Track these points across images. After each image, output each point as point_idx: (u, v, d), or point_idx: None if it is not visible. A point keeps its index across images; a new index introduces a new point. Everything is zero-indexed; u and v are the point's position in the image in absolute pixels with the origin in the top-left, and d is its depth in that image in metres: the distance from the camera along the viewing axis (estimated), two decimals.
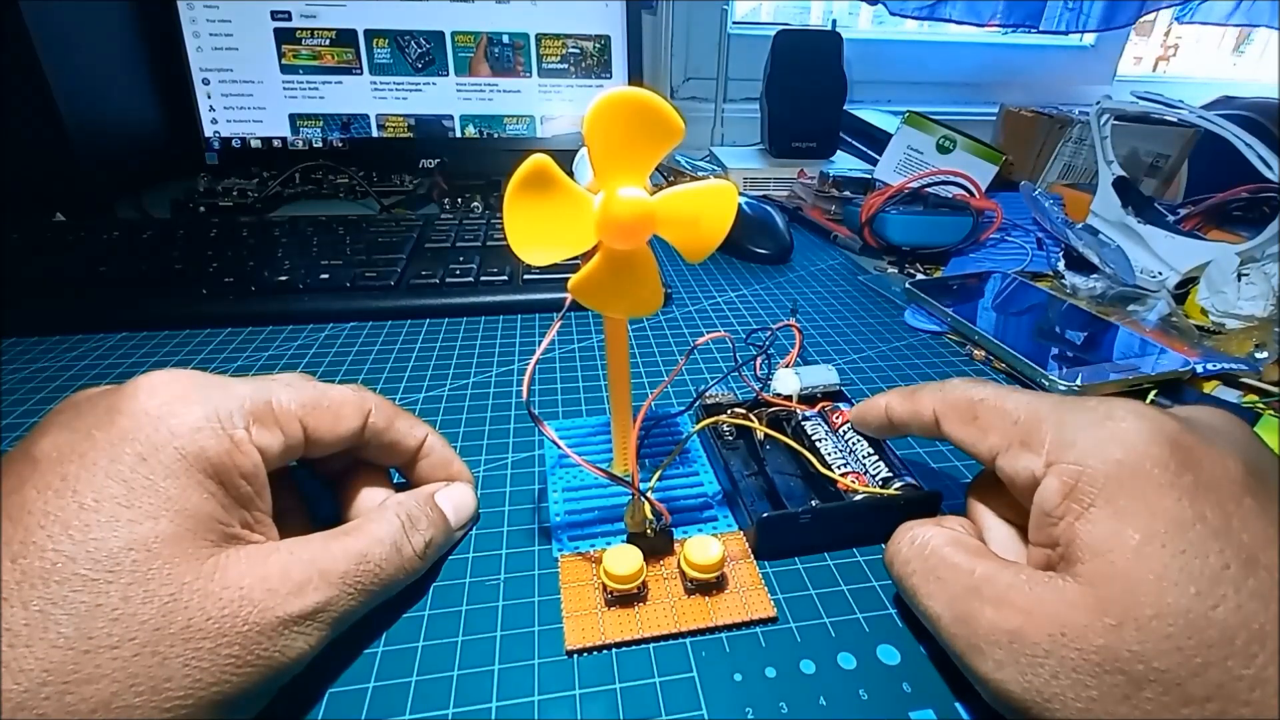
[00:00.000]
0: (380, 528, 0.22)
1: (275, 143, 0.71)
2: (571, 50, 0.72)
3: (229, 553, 0.19)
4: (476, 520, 0.28)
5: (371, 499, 0.25)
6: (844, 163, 0.81)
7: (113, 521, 0.17)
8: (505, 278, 0.48)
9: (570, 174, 0.21)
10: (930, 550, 0.21)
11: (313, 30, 0.68)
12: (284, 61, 0.69)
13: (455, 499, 0.27)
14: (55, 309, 0.44)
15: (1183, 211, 0.61)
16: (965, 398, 0.23)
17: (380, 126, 0.72)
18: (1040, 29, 1.08)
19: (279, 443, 0.21)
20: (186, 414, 0.19)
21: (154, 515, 0.17)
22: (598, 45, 0.73)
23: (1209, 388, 0.38)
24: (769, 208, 0.61)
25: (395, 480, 0.28)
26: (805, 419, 0.32)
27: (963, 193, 0.63)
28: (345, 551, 0.21)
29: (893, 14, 1.05)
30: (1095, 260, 0.49)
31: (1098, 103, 0.56)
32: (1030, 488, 0.20)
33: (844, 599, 0.25)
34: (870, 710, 0.21)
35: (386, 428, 0.25)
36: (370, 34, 0.69)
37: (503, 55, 0.71)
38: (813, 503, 0.27)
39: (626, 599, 0.24)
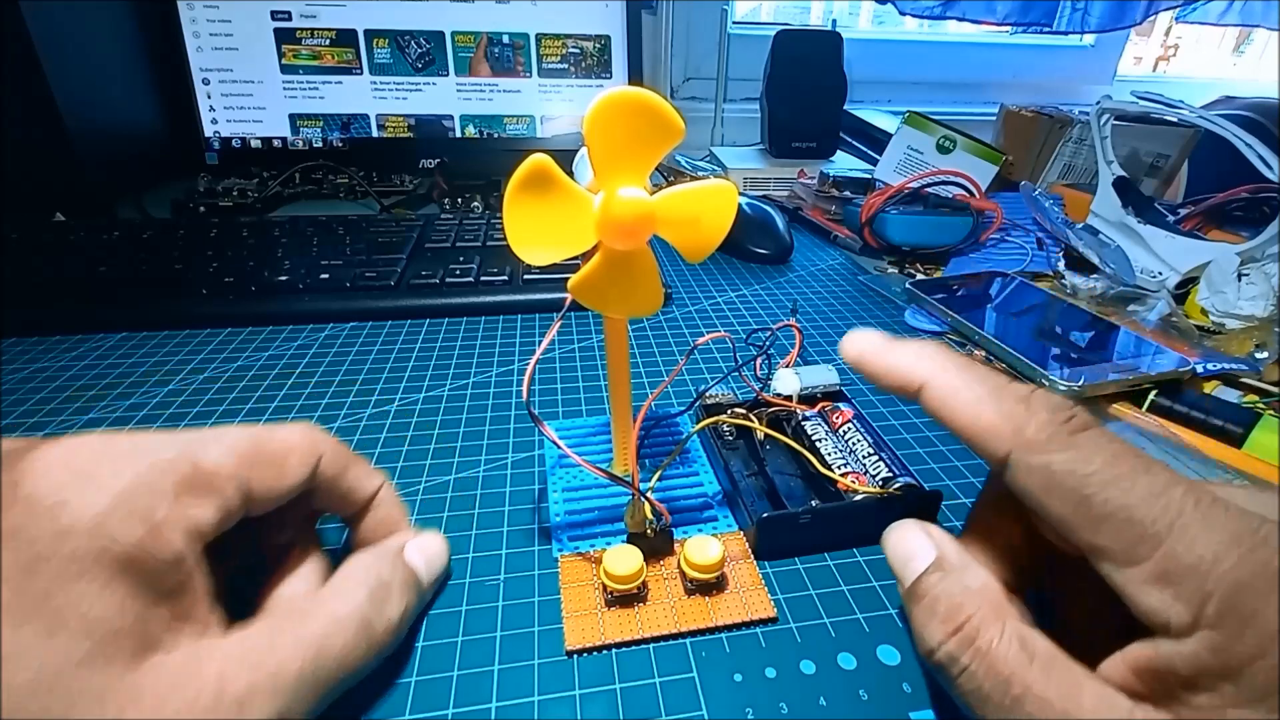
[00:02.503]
0: (343, 604, 0.18)
1: (275, 143, 0.71)
2: (571, 50, 0.72)
3: (152, 663, 0.15)
4: (448, 579, 0.24)
5: (315, 566, 0.21)
6: (844, 163, 0.81)
7: None
8: (505, 278, 0.48)
9: (570, 174, 0.21)
10: (996, 656, 0.16)
11: (313, 30, 0.68)
12: (284, 61, 0.69)
13: (429, 553, 0.23)
14: (55, 309, 0.44)
15: (1183, 211, 0.61)
16: (1071, 475, 0.16)
17: (380, 126, 0.72)
18: (1053, 29, 1.08)
19: (211, 513, 0.17)
20: (89, 498, 0.15)
21: (50, 633, 0.14)
22: (598, 45, 0.73)
23: (1209, 388, 0.38)
24: (769, 208, 0.61)
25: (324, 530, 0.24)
26: (805, 419, 0.32)
27: (963, 193, 0.63)
28: (298, 643, 0.17)
29: (903, 14, 1.05)
30: (1095, 260, 0.49)
31: (1098, 103, 0.56)
32: (1152, 622, 0.15)
33: (844, 599, 0.25)
34: (870, 710, 0.21)
35: (339, 475, 0.21)
36: (370, 34, 0.69)
37: (503, 55, 0.71)
38: (813, 503, 0.27)
39: (626, 599, 0.24)
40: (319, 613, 0.18)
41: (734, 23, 1.08)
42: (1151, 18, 1.13)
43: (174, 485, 0.16)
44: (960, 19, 1.06)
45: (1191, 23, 1.15)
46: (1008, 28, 1.09)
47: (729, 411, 0.32)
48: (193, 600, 0.16)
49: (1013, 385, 0.18)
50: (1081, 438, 0.16)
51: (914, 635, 0.18)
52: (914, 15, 1.06)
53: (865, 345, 0.21)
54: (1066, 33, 1.10)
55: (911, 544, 0.20)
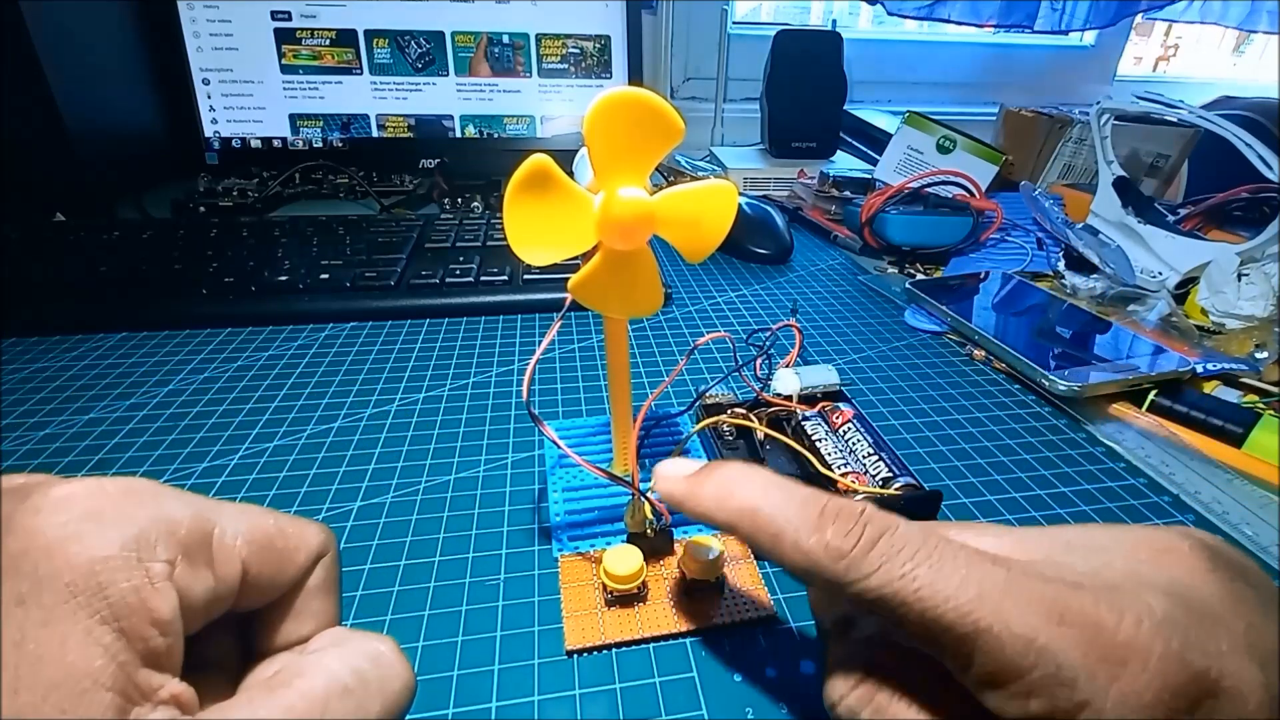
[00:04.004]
0: (321, 675, 0.16)
1: (275, 143, 0.71)
2: (571, 50, 0.72)
3: None
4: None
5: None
6: (844, 163, 0.81)
7: None
8: (505, 278, 0.48)
9: (570, 174, 0.21)
10: None
11: (313, 30, 0.68)
12: (284, 61, 0.69)
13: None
14: (55, 309, 0.44)
15: (1183, 211, 0.61)
16: (879, 603, 0.16)
17: (380, 126, 0.72)
18: (1034, 29, 1.09)
19: (207, 588, 0.15)
20: (93, 540, 0.14)
21: (12, 689, 0.12)
22: (598, 45, 0.73)
23: (1209, 388, 0.38)
24: (769, 208, 0.61)
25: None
26: (805, 419, 0.32)
27: (963, 193, 0.63)
28: (287, 709, 0.15)
29: (890, 14, 1.06)
30: (1095, 260, 0.49)
31: (1098, 103, 0.56)
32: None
33: None
34: None
35: (330, 585, 0.18)
36: (370, 34, 0.69)
37: (503, 55, 0.71)
38: None
39: (626, 599, 0.24)
40: (297, 682, 0.15)
41: (734, 23, 1.08)
42: (1137, 17, 1.15)
43: (183, 544, 0.15)
44: (946, 20, 1.07)
45: (1162, 19, 1.17)
46: (992, 28, 1.10)
47: (729, 411, 0.32)
48: (169, 673, 0.15)
49: (808, 508, 0.17)
50: (873, 556, 0.16)
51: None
52: (900, 16, 1.07)
53: (672, 489, 0.20)
54: (1048, 32, 1.11)
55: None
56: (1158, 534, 0.17)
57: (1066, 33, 1.13)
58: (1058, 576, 0.15)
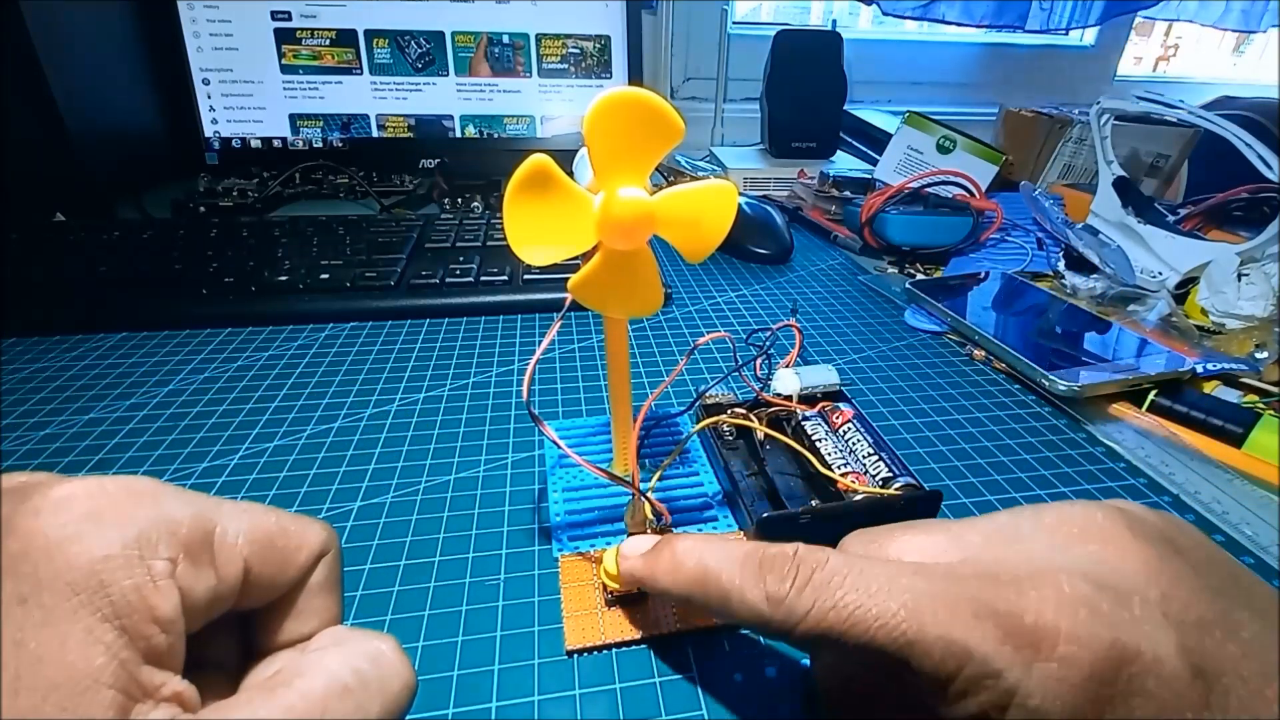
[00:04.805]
0: (321, 675, 0.16)
1: (275, 143, 0.71)
2: (571, 50, 0.72)
3: None
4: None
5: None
6: (844, 163, 0.81)
7: None
8: (505, 278, 0.48)
9: (570, 174, 0.21)
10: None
11: (313, 30, 0.68)
12: (284, 61, 0.69)
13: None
14: (55, 309, 0.44)
15: (1183, 211, 0.61)
16: (828, 641, 0.16)
17: (380, 126, 0.72)
18: (1025, 29, 1.11)
19: (208, 587, 0.15)
20: (94, 540, 0.14)
21: (13, 689, 0.12)
22: (598, 45, 0.73)
23: (1209, 388, 0.38)
24: (769, 208, 0.61)
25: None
26: (805, 419, 0.32)
27: (963, 193, 0.63)
28: (287, 708, 0.15)
29: (886, 14, 1.06)
30: (1095, 260, 0.49)
31: (1098, 103, 0.56)
32: None
33: None
34: None
35: (332, 583, 0.18)
36: (370, 34, 0.69)
37: (503, 55, 0.71)
38: (813, 503, 0.27)
39: (626, 599, 0.24)
40: (297, 682, 0.15)
41: (734, 23, 1.08)
42: (1136, 16, 1.16)
43: (185, 543, 0.15)
44: (940, 20, 1.07)
45: (1147, 18, 1.19)
46: (985, 28, 1.11)
47: (729, 411, 0.32)
48: (170, 671, 0.15)
49: (748, 564, 0.18)
50: (806, 595, 0.17)
51: None
52: (896, 16, 1.07)
53: (632, 568, 0.21)
54: (1039, 31, 1.12)
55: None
56: (1077, 511, 0.18)
57: (1066, 31, 1.13)
58: (976, 573, 0.16)
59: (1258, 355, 0.39)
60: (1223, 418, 0.35)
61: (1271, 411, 0.35)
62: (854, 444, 0.29)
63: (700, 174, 0.74)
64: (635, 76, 0.74)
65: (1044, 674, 0.14)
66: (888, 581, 0.16)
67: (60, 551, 0.14)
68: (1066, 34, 1.15)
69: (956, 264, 0.58)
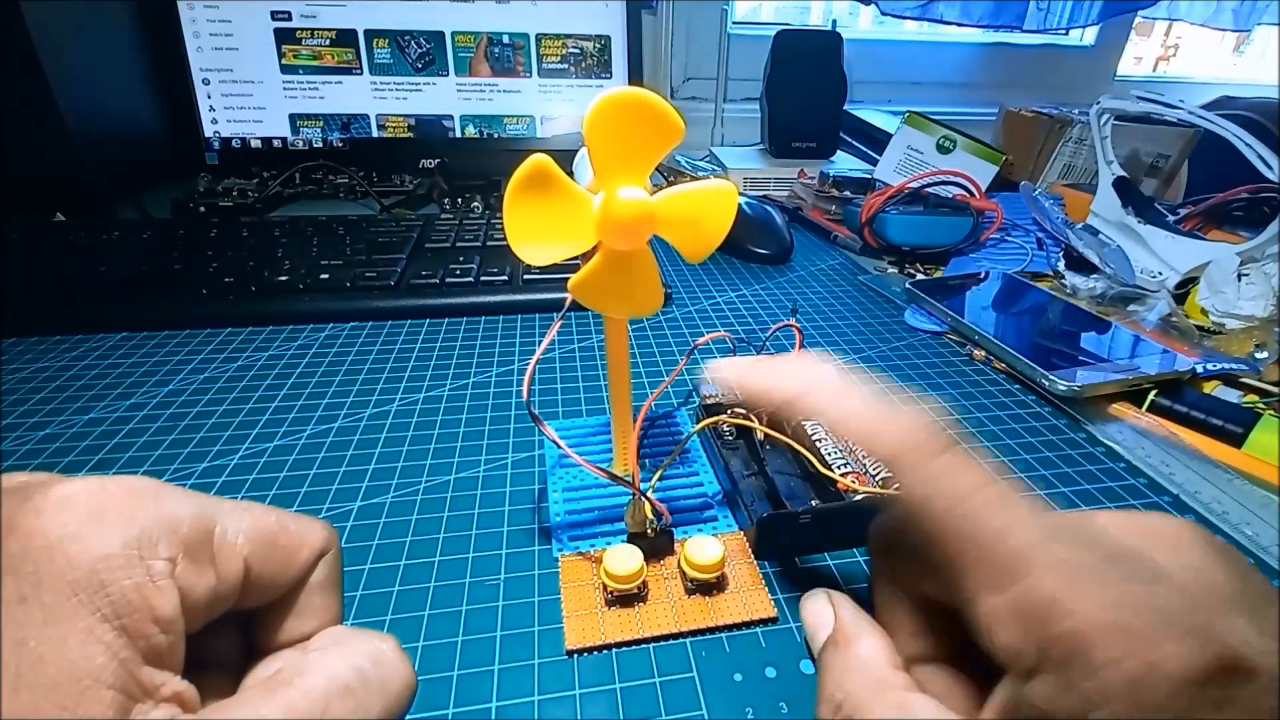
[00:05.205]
0: (323, 673, 0.16)
1: (275, 143, 0.71)
2: (571, 50, 0.72)
3: None
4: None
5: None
6: (844, 163, 0.81)
7: None
8: (505, 278, 0.48)
9: (570, 174, 0.21)
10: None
11: (313, 30, 0.68)
12: (284, 61, 0.69)
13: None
14: (55, 309, 0.44)
15: (1183, 211, 0.61)
16: (950, 488, 0.17)
17: (380, 126, 0.72)
18: (1024, 29, 1.11)
19: (208, 586, 0.15)
20: (95, 539, 0.14)
21: (14, 688, 0.12)
22: (598, 45, 0.73)
23: (1209, 388, 0.38)
24: (769, 208, 0.62)
25: None
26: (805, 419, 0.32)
27: (963, 193, 0.63)
28: (289, 707, 0.15)
29: (885, 14, 1.06)
30: (1095, 260, 0.49)
31: (1098, 103, 0.56)
32: (1004, 659, 0.16)
33: None
34: None
35: (333, 583, 0.18)
36: (370, 34, 0.69)
37: (503, 55, 0.71)
38: (813, 503, 0.27)
39: (626, 599, 0.24)
40: (298, 681, 0.15)
41: (734, 23, 1.08)
42: (1131, 16, 1.17)
43: (184, 542, 0.15)
44: (938, 20, 1.07)
45: (1147, 18, 1.20)
46: (983, 28, 1.11)
47: (729, 411, 0.32)
48: (170, 671, 0.15)
49: (889, 399, 0.19)
50: (955, 455, 0.18)
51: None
52: (895, 16, 1.07)
53: (740, 366, 0.23)
54: (1037, 31, 1.12)
55: (817, 616, 0.22)
56: (1152, 520, 0.18)
57: (1065, 31, 1.13)
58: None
59: (1258, 355, 0.39)
60: (1223, 418, 0.35)
61: (1271, 411, 0.35)
62: (854, 444, 0.29)
63: (700, 174, 0.74)
64: (635, 76, 0.74)
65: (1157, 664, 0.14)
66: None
67: (61, 551, 0.14)
68: (1066, 34, 1.15)
69: (956, 264, 0.58)
